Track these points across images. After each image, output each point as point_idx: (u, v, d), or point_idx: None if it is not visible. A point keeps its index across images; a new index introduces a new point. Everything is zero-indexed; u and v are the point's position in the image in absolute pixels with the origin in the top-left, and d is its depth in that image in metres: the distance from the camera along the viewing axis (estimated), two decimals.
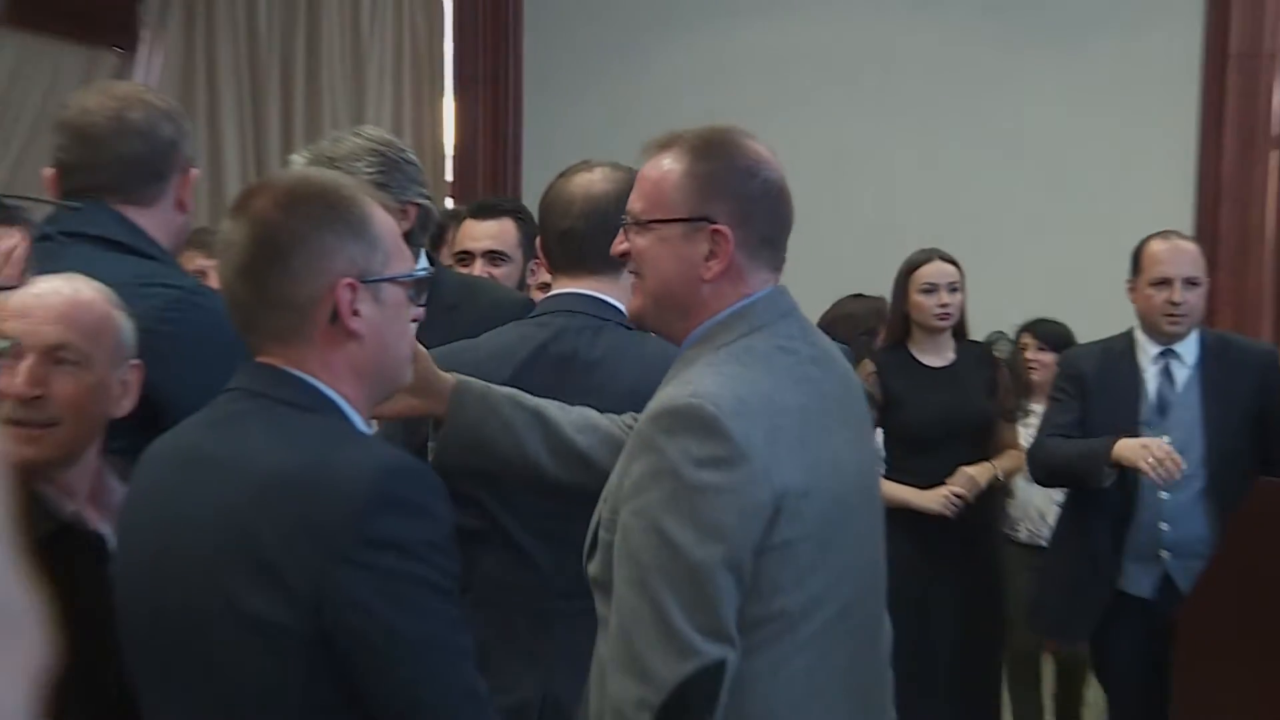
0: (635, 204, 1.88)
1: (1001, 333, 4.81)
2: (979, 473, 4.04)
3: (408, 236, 2.43)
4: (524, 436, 2.08)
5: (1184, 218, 5.91)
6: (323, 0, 6.73)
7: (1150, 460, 3.35)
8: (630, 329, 2.24)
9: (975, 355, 4.22)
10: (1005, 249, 5.83)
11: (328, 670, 1.51)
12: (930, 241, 5.82)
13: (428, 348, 2.51)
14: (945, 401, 4.03)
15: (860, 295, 4.98)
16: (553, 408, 2.10)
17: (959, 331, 4.20)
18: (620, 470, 1.79)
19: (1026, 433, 4.22)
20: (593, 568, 1.85)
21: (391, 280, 1.67)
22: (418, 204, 2.68)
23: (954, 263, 4.16)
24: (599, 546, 1.83)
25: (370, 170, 2.60)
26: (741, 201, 1.83)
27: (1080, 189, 5.97)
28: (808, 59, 6.37)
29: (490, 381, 2.16)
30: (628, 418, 2.10)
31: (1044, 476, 3.80)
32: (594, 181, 2.34)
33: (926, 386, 4.07)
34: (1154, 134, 5.97)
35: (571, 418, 2.10)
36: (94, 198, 2.28)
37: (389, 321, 1.67)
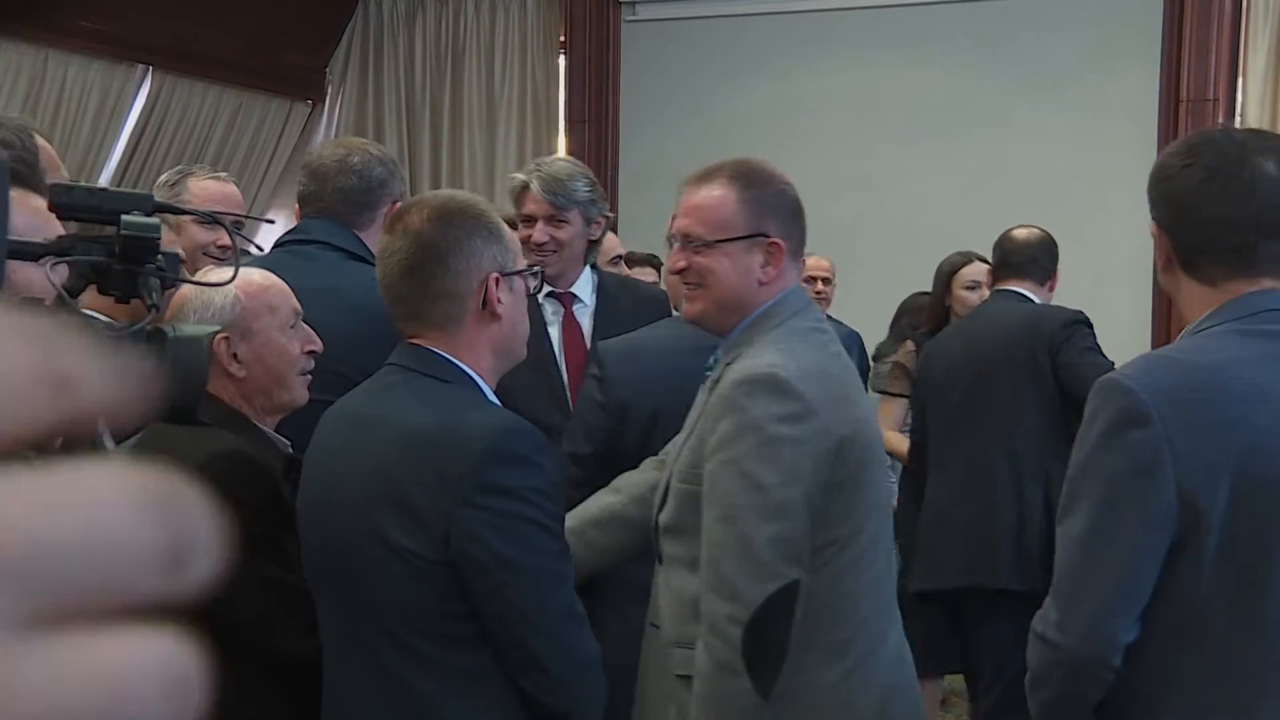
0: (695, 228, 1.86)
1: None
2: None
3: (596, 242, 2.73)
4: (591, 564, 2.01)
5: (1145, 230, 6.09)
6: (464, 60, 7.10)
7: None
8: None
9: None
10: None
11: (453, 590, 1.58)
12: (943, 247, 6.06)
13: (605, 333, 2.58)
14: None
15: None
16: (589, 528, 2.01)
17: None
18: (699, 430, 1.80)
19: None
20: (665, 516, 1.86)
21: (519, 273, 1.74)
22: (608, 217, 2.80)
23: (989, 262, 3.95)
24: (671, 496, 1.85)
25: (586, 189, 2.67)
26: (785, 217, 1.87)
27: (1062, 205, 6.06)
28: (844, 100, 6.55)
29: (657, 359, 2.22)
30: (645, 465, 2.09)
31: None
32: None
33: None
34: (1121, 162, 6.06)
35: (593, 516, 2.03)
36: (329, 218, 2.39)
37: (518, 305, 1.73)
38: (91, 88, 6.05)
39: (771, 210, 1.86)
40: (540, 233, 2.67)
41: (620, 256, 3.52)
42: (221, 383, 1.86)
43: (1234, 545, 1.50)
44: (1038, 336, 3.27)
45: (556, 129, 7.04)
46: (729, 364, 1.81)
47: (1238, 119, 5.99)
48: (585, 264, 2.76)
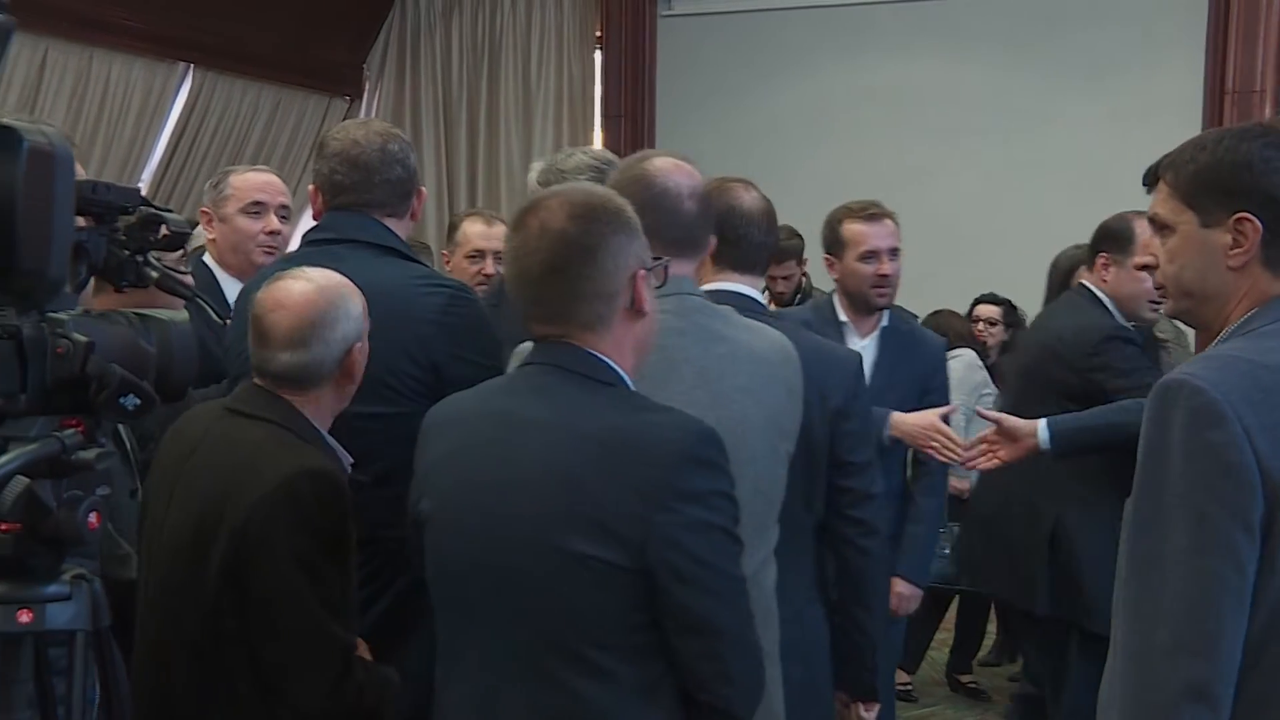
0: None
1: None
2: None
3: None
4: None
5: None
6: (501, 55, 7.11)
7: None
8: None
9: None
10: (1039, 249, 5.70)
11: (641, 599, 1.52)
12: (982, 244, 6.00)
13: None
14: None
15: (938, 311, 5.02)
16: None
17: None
18: None
19: None
20: None
21: (654, 267, 1.70)
22: None
23: None
24: None
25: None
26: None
27: (1101, 199, 6.01)
28: (883, 96, 6.49)
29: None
30: None
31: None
32: (759, 199, 2.27)
33: None
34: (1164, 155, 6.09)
35: None
36: (362, 212, 2.27)
37: (653, 301, 1.69)
38: (135, 85, 6.09)
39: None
40: None
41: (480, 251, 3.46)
42: (313, 394, 1.91)
43: None
44: (1060, 355, 3.02)
45: (592, 124, 7.08)
46: None
47: None
48: None
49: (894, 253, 3.15)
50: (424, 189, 2.35)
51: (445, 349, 2.03)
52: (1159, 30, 6.07)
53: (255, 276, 2.39)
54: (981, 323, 5.33)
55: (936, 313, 5.07)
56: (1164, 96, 6.01)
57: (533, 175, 2.67)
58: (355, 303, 1.93)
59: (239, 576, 1.79)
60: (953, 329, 4.88)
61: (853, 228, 3.15)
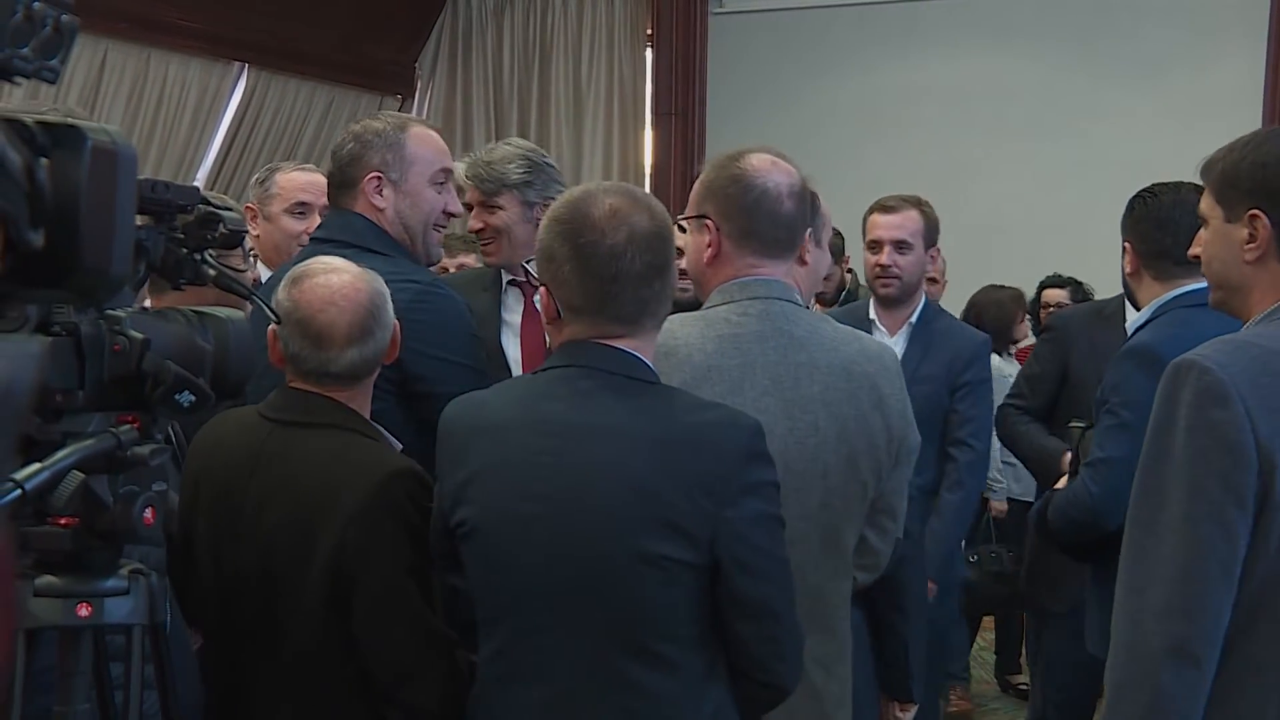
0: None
1: None
2: None
3: None
4: None
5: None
6: (552, 54, 7.13)
7: None
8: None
9: None
10: (1092, 247, 5.40)
11: (706, 592, 1.55)
12: (1032, 241, 5.87)
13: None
14: None
15: (1000, 286, 4.89)
16: None
17: None
18: None
19: None
20: None
21: None
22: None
23: None
24: None
25: (519, 171, 2.57)
26: (722, 202, 1.84)
27: None
28: (934, 93, 6.44)
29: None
30: None
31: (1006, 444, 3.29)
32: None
33: None
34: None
35: None
36: (344, 209, 2.25)
37: None
38: (191, 85, 6.17)
39: (711, 195, 1.85)
40: (474, 220, 2.64)
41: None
42: (365, 384, 1.87)
43: None
44: None
45: (643, 122, 7.09)
46: None
47: None
48: None
49: (900, 245, 3.10)
50: (379, 173, 2.23)
51: (407, 344, 2.00)
52: (1216, 23, 5.96)
53: (268, 282, 2.33)
54: (1050, 309, 5.07)
55: (996, 288, 4.84)
56: (1221, 91, 5.90)
57: (460, 169, 2.63)
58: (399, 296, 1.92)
59: (343, 593, 1.74)
60: (990, 310, 4.60)
61: (869, 217, 3.18)
